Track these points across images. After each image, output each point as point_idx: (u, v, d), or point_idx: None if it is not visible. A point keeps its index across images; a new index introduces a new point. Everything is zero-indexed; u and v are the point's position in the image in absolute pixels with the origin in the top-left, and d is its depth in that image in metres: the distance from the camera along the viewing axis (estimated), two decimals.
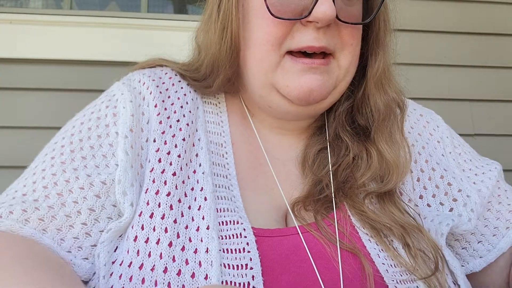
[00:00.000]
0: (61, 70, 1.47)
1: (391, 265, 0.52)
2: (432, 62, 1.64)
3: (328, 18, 0.55)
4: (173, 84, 0.66)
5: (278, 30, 0.57)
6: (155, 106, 0.61)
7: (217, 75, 0.64)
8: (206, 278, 0.47)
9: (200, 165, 0.58)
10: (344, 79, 0.63)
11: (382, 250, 0.54)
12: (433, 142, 0.71)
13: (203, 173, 0.57)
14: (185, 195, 0.54)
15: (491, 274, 0.64)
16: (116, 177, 0.54)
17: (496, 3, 1.70)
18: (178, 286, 0.46)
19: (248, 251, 0.50)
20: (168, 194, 0.53)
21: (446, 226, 0.59)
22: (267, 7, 0.55)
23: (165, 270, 0.47)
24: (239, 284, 0.47)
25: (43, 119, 1.42)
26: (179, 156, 0.57)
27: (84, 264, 0.52)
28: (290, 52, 0.59)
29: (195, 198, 0.54)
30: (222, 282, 0.46)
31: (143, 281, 0.46)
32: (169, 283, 0.46)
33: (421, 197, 0.65)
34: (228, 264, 0.49)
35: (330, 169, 0.63)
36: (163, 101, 0.62)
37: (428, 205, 0.65)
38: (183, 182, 0.55)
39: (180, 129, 0.60)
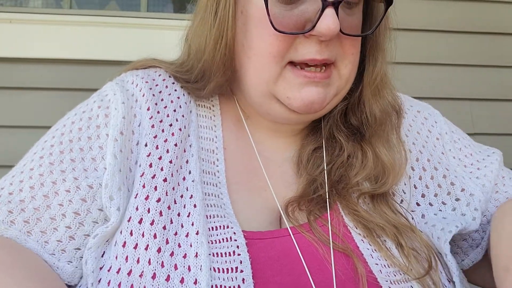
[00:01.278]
0: (61, 70, 1.47)
1: (384, 265, 0.52)
2: (432, 61, 1.64)
3: (332, 34, 0.54)
4: (166, 87, 0.65)
5: (280, 43, 0.56)
6: (148, 109, 0.60)
7: (208, 81, 0.63)
8: (195, 282, 0.46)
9: (190, 173, 0.57)
10: (345, 87, 0.63)
11: (375, 250, 0.54)
12: (433, 140, 0.70)
13: (192, 181, 0.56)
14: (175, 202, 0.54)
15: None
16: (103, 181, 0.53)
17: (496, 2, 1.70)
18: None
19: (238, 254, 0.50)
20: (158, 200, 0.52)
21: (449, 233, 0.58)
22: (270, 21, 0.54)
23: (153, 276, 0.47)
24: (231, 287, 0.47)
25: (42, 119, 1.42)
26: (170, 162, 0.56)
27: (67, 267, 0.52)
28: (292, 62, 0.58)
29: (185, 205, 0.54)
30: (212, 286, 0.46)
31: (131, 287, 0.46)
32: None
33: (423, 195, 0.65)
34: (218, 268, 0.48)
35: (325, 168, 0.62)
36: (156, 104, 0.61)
37: (430, 204, 0.64)
38: (173, 188, 0.55)
39: (173, 134, 0.59)
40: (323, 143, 0.66)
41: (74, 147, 0.57)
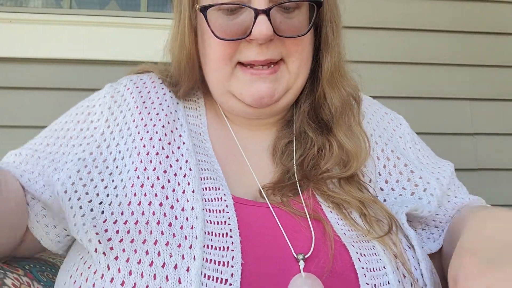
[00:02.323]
0: (61, 69, 1.47)
1: (348, 230, 0.61)
2: (432, 61, 1.64)
3: (264, 37, 0.63)
4: (154, 87, 0.76)
5: (226, 48, 0.67)
6: (137, 107, 0.72)
7: (181, 85, 0.75)
8: (192, 228, 0.56)
9: (184, 143, 0.67)
10: (296, 82, 0.71)
11: (341, 219, 0.62)
12: (396, 137, 0.79)
13: (187, 149, 0.66)
14: (170, 166, 0.64)
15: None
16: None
17: (496, 2, 1.70)
18: (170, 234, 0.55)
19: (227, 212, 0.59)
20: (154, 169, 0.62)
21: (406, 207, 0.67)
22: (212, 31, 0.65)
23: (158, 223, 0.56)
24: (220, 234, 0.56)
25: (42, 119, 1.42)
26: (160, 139, 0.67)
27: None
28: (241, 63, 0.67)
29: (181, 167, 0.64)
30: (205, 232, 0.55)
31: (139, 232, 0.55)
32: (162, 231, 0.55)
33: (386, 181, 0.73)
34: (211, 220, 0.57)
35: (295, 161, 0.71)
36: (144, 102, 0.73)
37: (392, 189, 0.73)
38: (167, 156, 0.65)
39: (160, 120, 0.70)
40: (294, 138, 0.74)
41: (56, 143, 0.71)
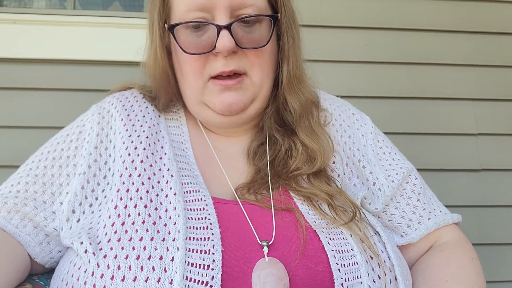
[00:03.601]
0: (64, 70, 1.47)
1: (318, 218, 0.68)
2: (435, 61, 1.64)
3: (227, 49, 0.71)
4: (136, 101, 0.83)
5: (195, 62, 0.75)
6: (121, 119, 0.77)
7: (159, 98, 0.83)
8: (175, 224, 0.62)
9: (165, 154, 0.74)
10: (261, 92, 0.78)
11: (311, 209, 0.69)
12: (358, 135, 0.86)
13: (169, 159, 0.72)
14: (154, 174, 0.70)
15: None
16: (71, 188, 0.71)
17: (500, 2, 1.70)
18: (154, 230, 0.61)
19: (207, 210, 0.65)
20: (139, 175, 0.68)
21: (361, 192, 0.76)
22: (180, 47, 0.74)
23: (143, 222, 0.61)
24: (201, 227, 0.62)
25: (47, 119, 1.43)
26: (144, 149, 0.73)
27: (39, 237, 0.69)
28: (213, 77, 0.75)
29: (163, 175, 0.70)
30: (187, 227, 0.61)
31: (125, 232, 0.61)
32: (147, 229, 0.61)
33: (349, 179, 0.80)
34: (192, 217, 0.63)
35: (268, 160, 0.78)
36: (128, 114, 0.79)
37: (355, 185, 0.80)
38: (151, 165, 0.71)
39: (144, 131, 0.76)
40: (266, 140, 0.81)
41: (55, 164, 0.74)
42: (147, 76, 0.84)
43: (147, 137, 0.75)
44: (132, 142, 0.73)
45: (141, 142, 0.73)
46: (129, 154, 0.71)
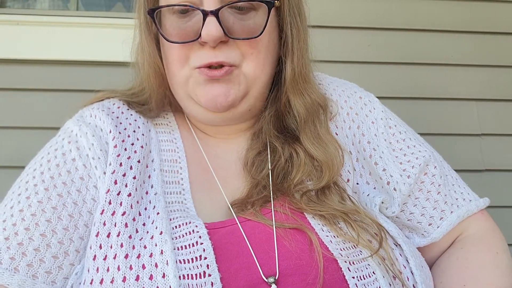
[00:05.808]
0: (67, 71, 1.48)
1: (334, 236, 0.57)
2: (438, 61, 1.63)
3: (213, 39, 0.61)
4: (122, 112, 0.72)
5: (180, 51, 0.66)
6: (110, 131, 0.66)
7: (153, 95, 0.73)
8: (163, 276, 0.50)
9: (152, 187, 0.63)
10: (254, 85, 0.68)
11: (325, 225, 0.59)
12: (368, 123, 0.75)
13: (155, 194, 0.62)
14: (139, 214, 0.59)
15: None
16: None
17: (504, 2, 1.69)
18: None
19: (201, 243, 0.54)
20: (123, 214, 0.57)
21: (379, 198, 0.66)
22: (161, 34, 0.66)
23: (124, 279, 0.50)
24: (196, 275, 0.51)
25: (50, 120, 1.43)
26: (134, 177, 0.61)
27: None
28: (199, 67, 0.65)
29: (149, 216, 0.59)
30: (180, 277, 0.50)
31: None
32: None
33: (361, 175, 0.71)
34: (183, 260, 0.52)
35: (269, 170, 0.67)
36: (116, 126, 0.67)
37: (367, 183, 0.71)
38: (138, 202, 0.60)
39: (135, 152, 0.65)
40: (267, 147, 0.71)
41: (57, 183, 0.61)
42: (137, 74, 0.77)
43: (138, 161, 0.64)
44: (120, 165, 0.62)
45: (131, 168, 0.62)
46: (115, 182, 0.60)
